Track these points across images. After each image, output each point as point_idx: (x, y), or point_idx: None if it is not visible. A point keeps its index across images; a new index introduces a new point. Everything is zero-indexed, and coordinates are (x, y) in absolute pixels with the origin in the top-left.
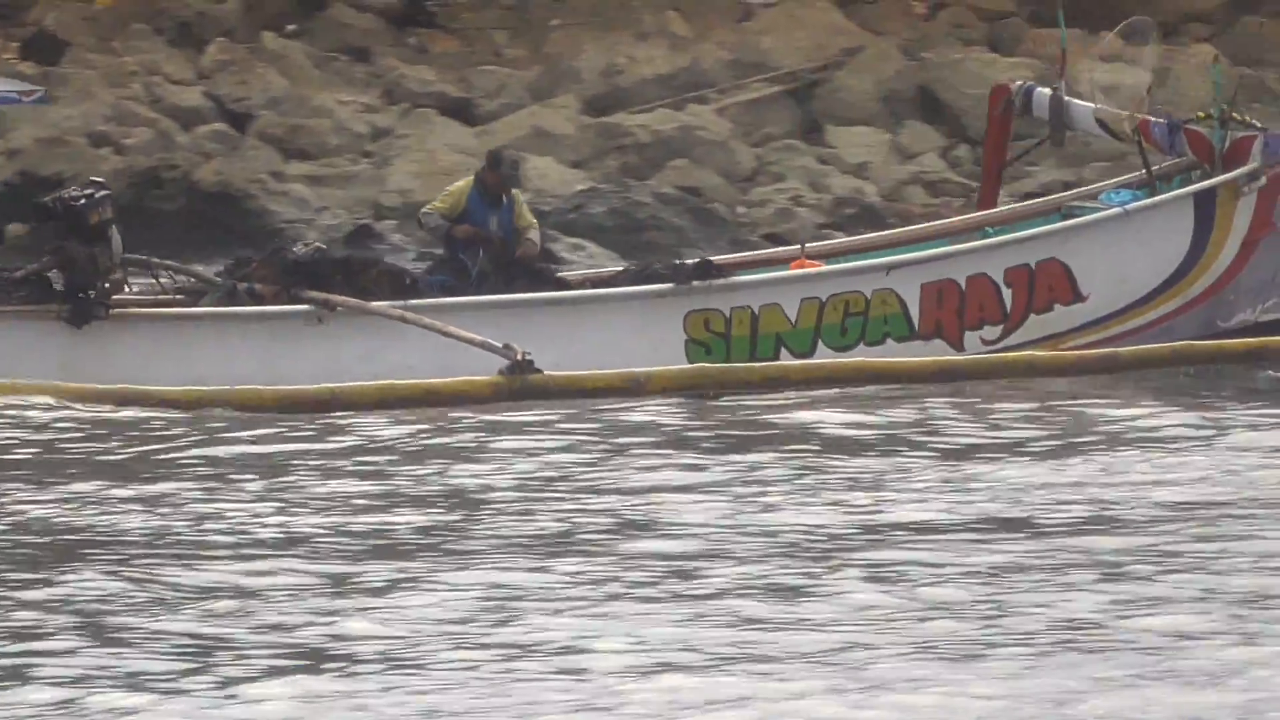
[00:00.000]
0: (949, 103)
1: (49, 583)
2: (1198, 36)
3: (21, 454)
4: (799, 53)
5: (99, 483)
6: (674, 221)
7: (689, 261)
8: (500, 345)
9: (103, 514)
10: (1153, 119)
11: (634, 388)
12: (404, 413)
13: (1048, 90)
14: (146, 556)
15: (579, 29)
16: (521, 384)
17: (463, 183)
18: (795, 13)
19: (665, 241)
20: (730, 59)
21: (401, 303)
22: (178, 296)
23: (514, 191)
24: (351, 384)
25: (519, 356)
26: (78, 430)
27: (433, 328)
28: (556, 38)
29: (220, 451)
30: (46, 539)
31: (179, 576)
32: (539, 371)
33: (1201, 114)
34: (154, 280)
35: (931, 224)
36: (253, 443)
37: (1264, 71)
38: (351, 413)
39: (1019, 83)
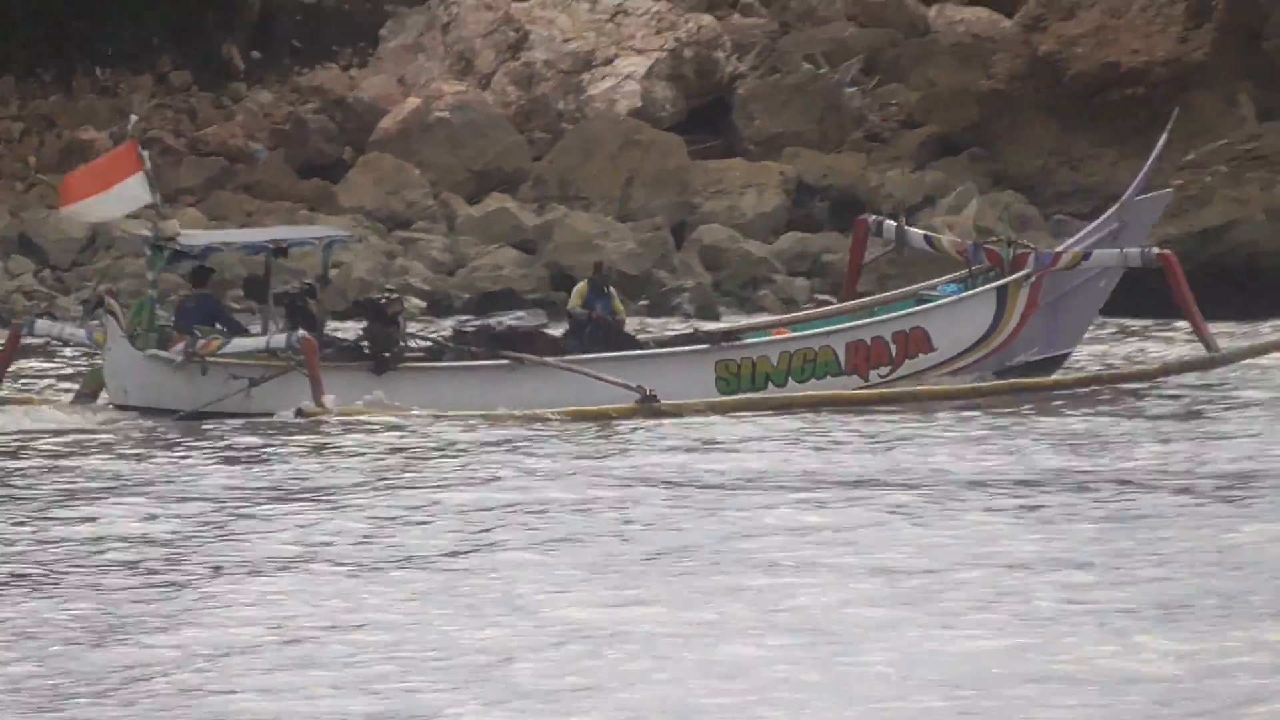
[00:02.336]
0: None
1: None
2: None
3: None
4: None
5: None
6: None
7: (718, 329)
8: (634, 385)
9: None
10: (966, 242)
11: (708, 409)
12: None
13: (893, 222)
14: None
15: None
16: (649, 409)
17: (582, 284)
18: None
19: None
20: None
21: (561, 357)
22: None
23: (610, 288)
24: (558, 409)
25: (646, 391)
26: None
27: (587, 374)
28: None
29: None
30: None
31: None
32: (658, 401)
33: (996, 239)
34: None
35: (843, 304)
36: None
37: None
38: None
39: (874, 217)
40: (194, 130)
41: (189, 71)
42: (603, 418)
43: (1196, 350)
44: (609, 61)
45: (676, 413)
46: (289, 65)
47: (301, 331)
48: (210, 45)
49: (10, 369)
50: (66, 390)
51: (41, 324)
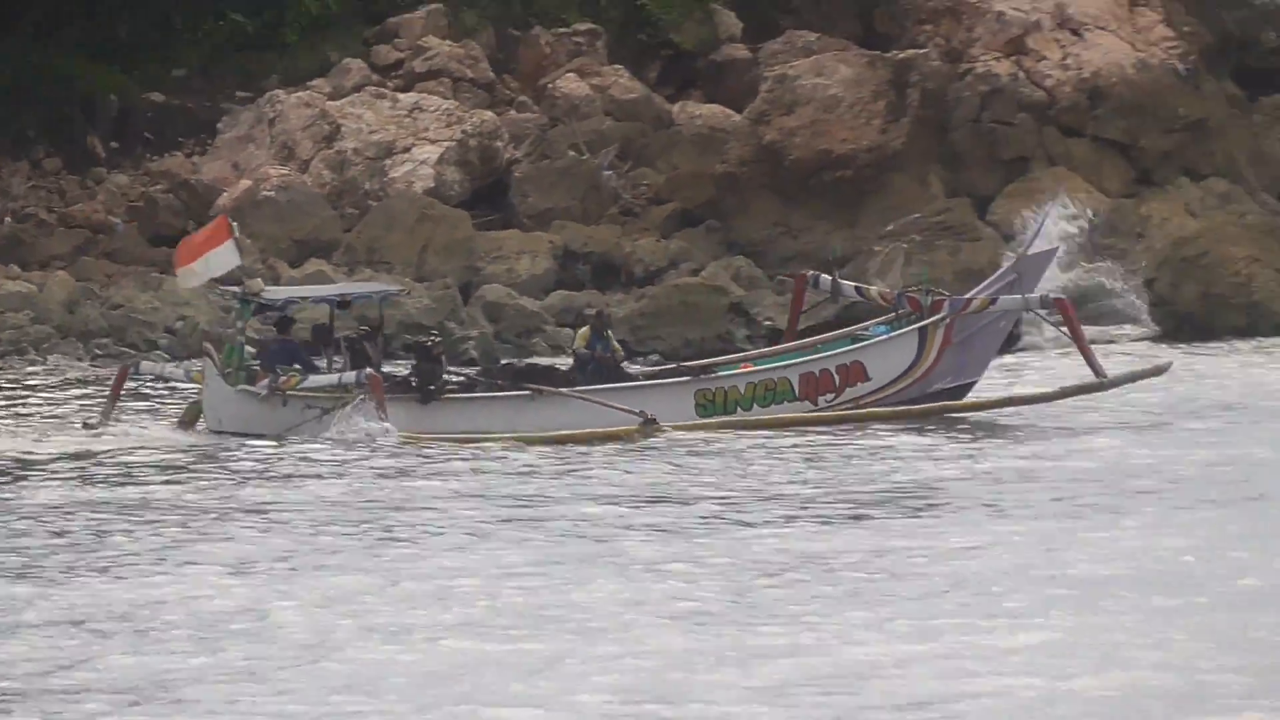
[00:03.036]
0: None
1: None
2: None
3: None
4: None
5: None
6: None
7: (698, 364)
8: (637, 410)
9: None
10: (891, 292)
11: (694, 429)
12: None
13: (828, 277)
14: None
15: None
16: (649, 430)
17: (585, 329)
18: None
19: None
20: None
21: (574, 388)
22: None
23: (608, 332)
24: (571, 430)
25: (648, 415)
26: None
27: (598, 401)
28: None
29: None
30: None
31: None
32: (657, 423)
33: (915, 287)
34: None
35: (789, 344)
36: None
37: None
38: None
39: (811, 273)
40: (63, 207)
41: (59, 158)
42: (612, 438)
43: (1088, 377)
44: (407, 149)
45: (668, 432)
46: (142, 153)
47: (369, 370)
48: (77, 137)
49: (119, 402)
50: (167, 419)
51: (145, 364)
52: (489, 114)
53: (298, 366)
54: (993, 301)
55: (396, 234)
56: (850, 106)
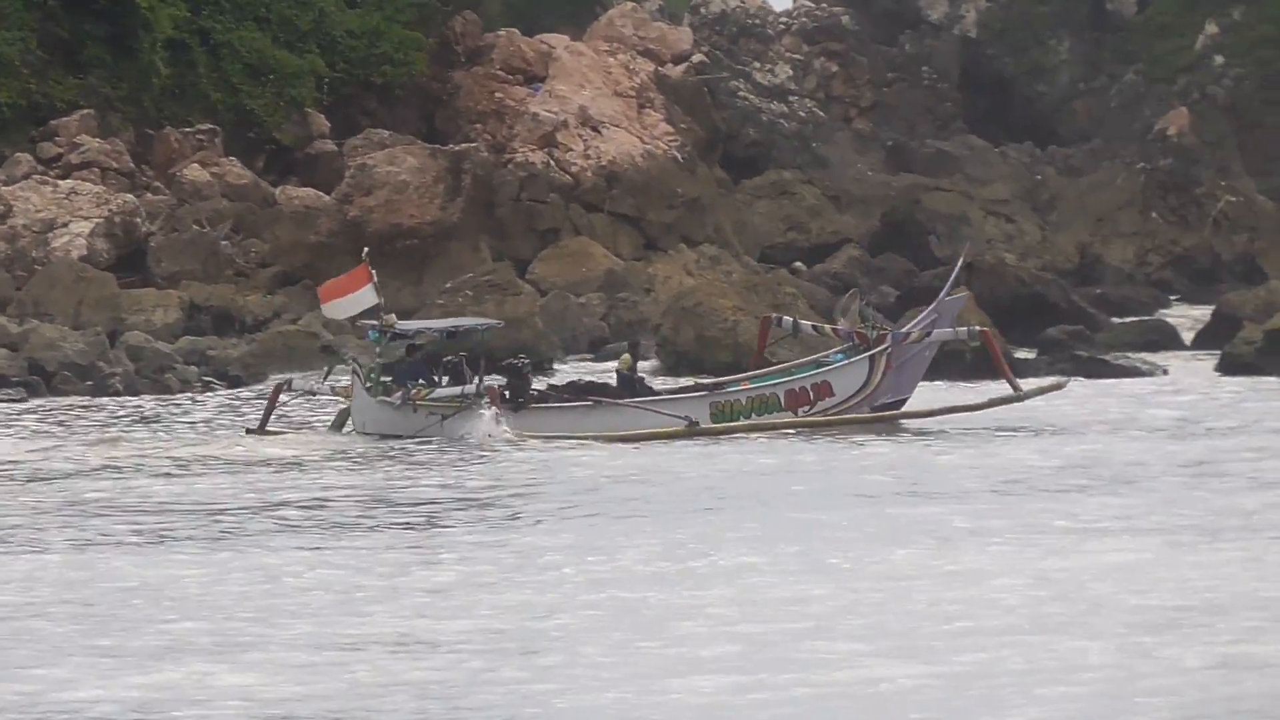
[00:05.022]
0: None
1: None
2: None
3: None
4: None
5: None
6: None
7: (710, 382)
8: (682, 415)
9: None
10: (841, 329)
11: (736, 431)
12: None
13: (789, 319)
14: None
15: None
16: (693, 430)
17: (626, 355)
18: None
19: None
20: None
21: (627, 399)
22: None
23: (639, 358)
24: (626, 431)
25: (692, 419)
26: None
27: (650, 409)
28: None
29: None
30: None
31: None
32: (697, 425)
33: (862, 323)
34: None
35: (771, 368)
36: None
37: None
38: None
39: (775, 315)
40: None
41: None
42: (665, 437)
43: (1005, 391)
44: (65, 225)
45: (709, 434)
46: None
47: (489, 384)
48: None
49: (274, 414)
50: (317, 426)
51: (297, 381)
52: (130, 196)
53: (422, 381)
54: (928, 334)
55: (57, 291)
56: (417, 189)
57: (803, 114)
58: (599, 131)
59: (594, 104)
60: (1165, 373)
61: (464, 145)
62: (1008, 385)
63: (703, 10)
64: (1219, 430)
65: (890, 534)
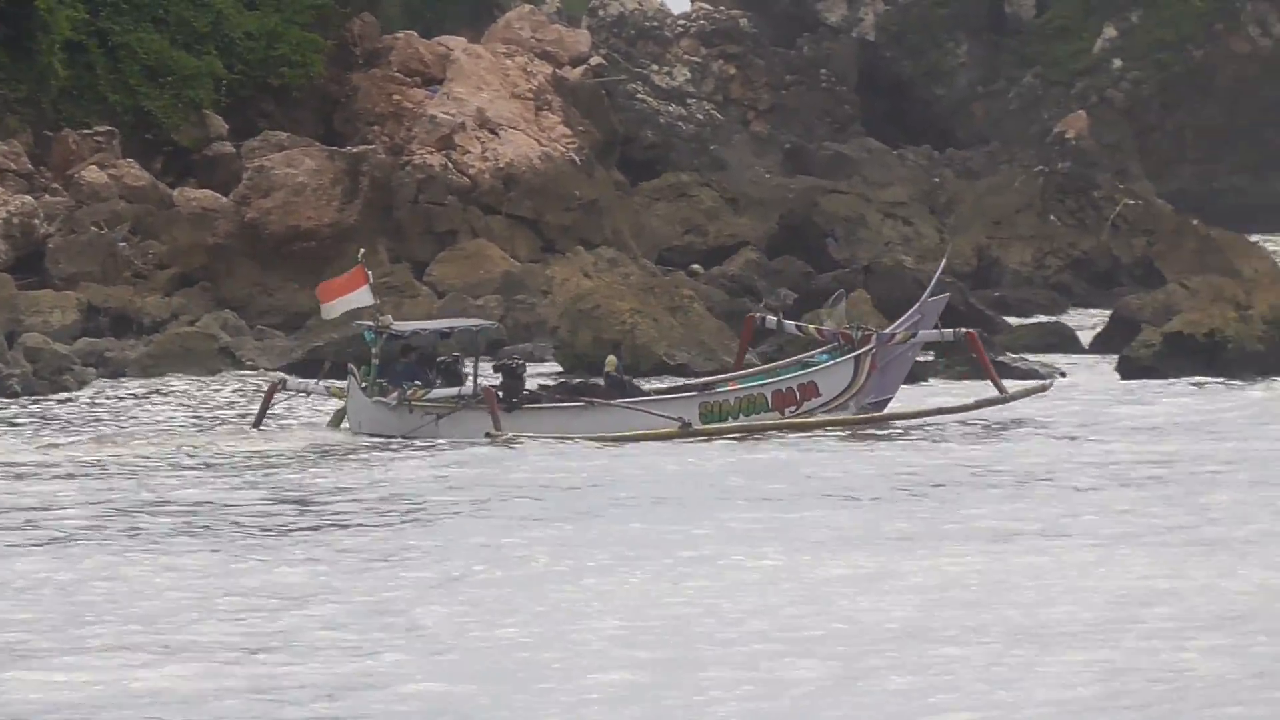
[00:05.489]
0: None
1: None
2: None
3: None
4: None
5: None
6: None
7: (702, 381)
8: (675, 416)
9: None
10: (825, 329)
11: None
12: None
13: (774, 317)
14: None
15: None
16: (686, 431)
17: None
18: None
19: None
20: None
21: (619, 400)
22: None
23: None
24: (625, 432)
25: (685, 420)
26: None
27: (642, 410)
28: None
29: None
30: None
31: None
32: (690, 425)
33: (848, 325)
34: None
35: (757, 368)
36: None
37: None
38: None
39: (758, 315)
40: None
41: None
42: (659, 438)
43: (992, 392)
44: None
45: (702, 434)
46: None
47: (484, 385)
48: None
49: (269, 412)
50: (313, 424)
51: (292, 381)
52: (29, 198)
53: (418, 382)
54: (914, 334)
55: None
56: (314, 191)
57: (701, 116)
58: (497, 134)
59: (492, 106)
60: (1063, 375)
61: (362, 147)
62: (993, 387)
63: (601, 13)
64: (1117, 433)
65: (738, 538)
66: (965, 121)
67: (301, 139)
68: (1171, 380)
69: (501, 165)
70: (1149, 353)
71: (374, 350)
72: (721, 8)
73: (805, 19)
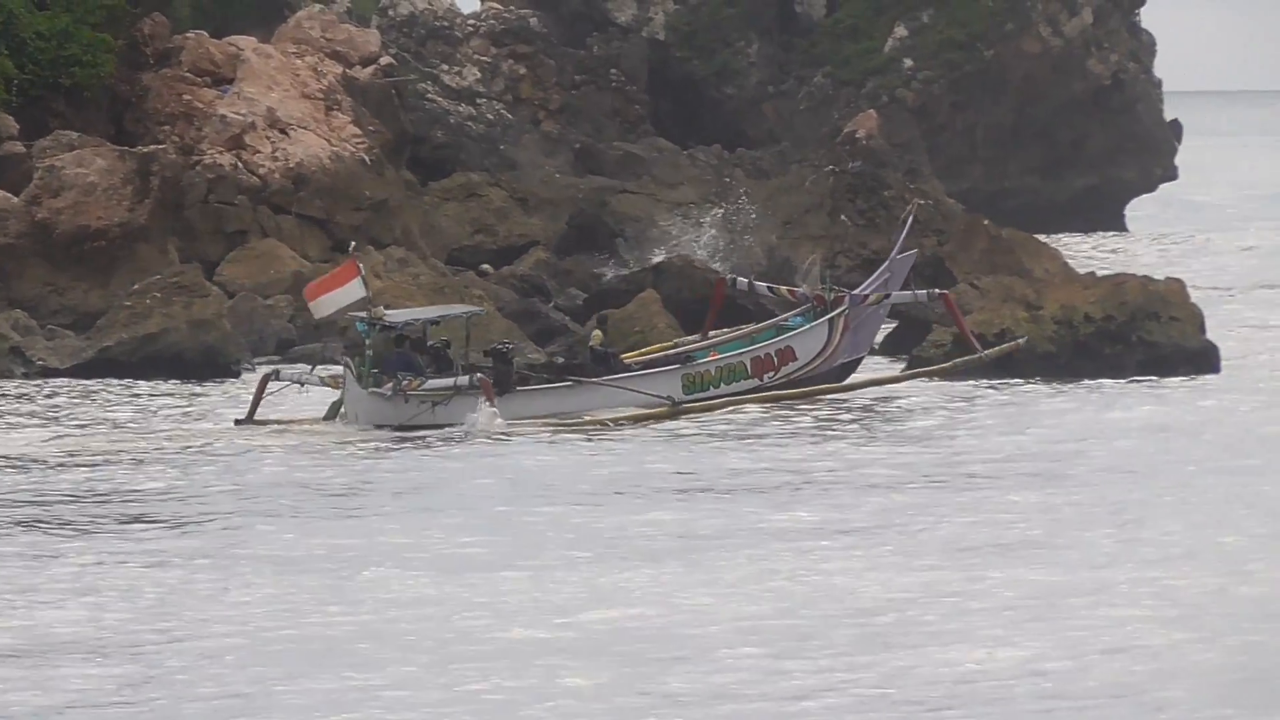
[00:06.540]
0: None
1: None
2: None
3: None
4: None
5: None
6: None
7: (680, 353)
8: (664, 395)
9: None
10: (797, 290)
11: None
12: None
13: (744, 279)
14: None
15: None
16: (674, 409)
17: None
18: None
19: None
20: None
21: (608, 377)
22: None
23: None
24: (617, 413)
25: (674, 399)
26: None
27: (632, 389)
28: None
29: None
30: None
31: None
32: (676, 402)
33: (820, 286)
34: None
35: (737, 330)
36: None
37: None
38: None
39: (729, 276)
40: None
41: None
42: (648, 418)
43: (969, 352)
44: None
45: (690, 411)
46: None
47: (480, 374)
48: None
49: (261, 404)
50: (309, 416)
51: (286, 371)
52: None
53: (413, 373)
54: (887, 295)
55: None
56: (105, 190)
57: (491, 116)
58: (287, 133)
59: (282, 106)
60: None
61: (153, 147)
62: (970, 346)
63: (391, 13)
64: (903, 435)
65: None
66: (756, 121)
67: (92, 139)
68: (959, 381)
69: (292, 165)
70: (939, 353)
71: (367, 342)
72: (511, 7)
73: (595, 18)
